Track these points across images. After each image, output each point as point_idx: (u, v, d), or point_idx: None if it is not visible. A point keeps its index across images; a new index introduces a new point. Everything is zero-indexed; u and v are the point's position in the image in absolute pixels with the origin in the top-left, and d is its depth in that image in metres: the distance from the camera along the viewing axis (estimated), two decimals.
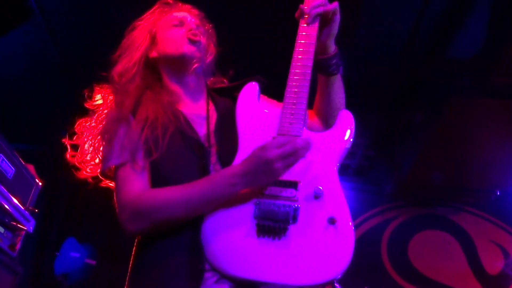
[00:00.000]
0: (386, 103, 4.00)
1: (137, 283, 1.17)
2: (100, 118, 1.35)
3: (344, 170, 4.69)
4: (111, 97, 1.39)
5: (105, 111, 1.36)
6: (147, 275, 1.15)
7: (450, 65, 3.23)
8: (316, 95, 1.37)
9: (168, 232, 1.16)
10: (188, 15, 1.45)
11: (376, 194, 4.58)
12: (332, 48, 1.30)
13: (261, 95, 1.39)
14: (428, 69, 3.32)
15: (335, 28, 1.28)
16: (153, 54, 1.42)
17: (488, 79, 3.15)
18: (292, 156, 1.10)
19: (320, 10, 1.26)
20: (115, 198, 1.23)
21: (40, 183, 2.63)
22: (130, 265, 1.23)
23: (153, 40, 1.43)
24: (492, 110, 3.35)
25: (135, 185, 1.20)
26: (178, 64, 1.39)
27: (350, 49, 2.88)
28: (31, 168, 2.55)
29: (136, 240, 1.26)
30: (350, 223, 1.10)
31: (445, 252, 4.56)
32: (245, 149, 1.22)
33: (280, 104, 1.28)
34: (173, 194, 1.16)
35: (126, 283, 1.21)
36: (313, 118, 1.38)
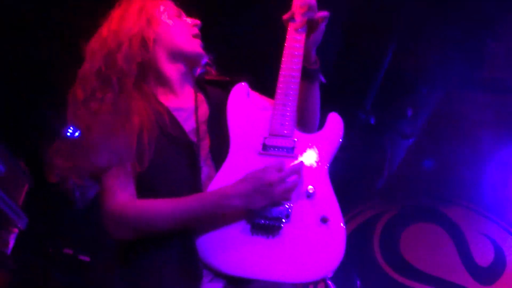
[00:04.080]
0: (378, 95, 4.04)
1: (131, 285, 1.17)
2: (91, 110, 1.25)
3: (335, 164, 4.71)
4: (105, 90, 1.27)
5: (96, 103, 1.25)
6: (141, 279, 1.15)
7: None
8: None
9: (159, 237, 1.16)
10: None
11: (368, 188, 4.62)
12: (313, 56, 1.33)
13: (252, 91, 1.40)
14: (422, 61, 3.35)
15: (319, 36, 1.31)
16: (150, 35, 1.34)
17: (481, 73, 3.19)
18: (292, 183, 1.12)
19: (309, 16, 1.28)
20: (101, 201, 1.21)
21: (31, 179, 2.62)
22: (118, 268, 1.21)
23: (149, 22, 1.36)
24: (484, 104, 3.39)
25: (123, 192, 1.18)
26: (185, 59, 1.38)
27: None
28: (22, 165, 2.53)
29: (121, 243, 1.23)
30: (342, 222, 1.12)
31: (436, 245, 4.62)
32: (237, 150, 1.23)
33: (271, 101, 1.29)
34: (162, 209, 1.15)
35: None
36: None
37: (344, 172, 4.76)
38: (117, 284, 1.21)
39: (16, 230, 2.50)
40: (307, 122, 1.35)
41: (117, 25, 1.35)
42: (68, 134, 1.26)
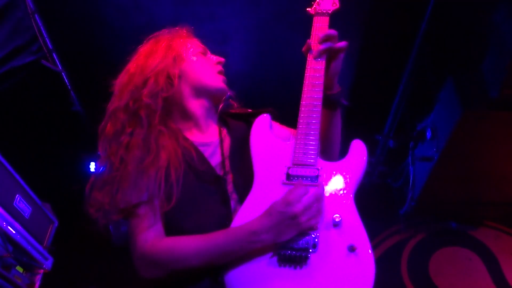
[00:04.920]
0: (397, 120, 4.03)
1: None
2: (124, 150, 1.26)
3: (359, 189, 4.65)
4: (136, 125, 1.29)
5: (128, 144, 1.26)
6: None
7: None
8: None
9: (188, 272, 1.15)
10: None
11: (392, 212, 4.53)
12: (335, 84, 1.34)
13: (274, 122, 1.41)
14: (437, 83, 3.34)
15: (339, 64, 1.32)
16: (175, 72, 1.37)
17: (498, 92, 3.16)
18: (316, 210, 1.12)
19: (326, 46, 1.30)
20: (129, 239, 1.21)
21: (56, 221, 2.65)
22: None
23: (175, 59, 1.40)
24: (505, 123, 3.34)
25: (152, 231, 1.19)
26: (209, 95, 1.41)
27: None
28: (47, 207, 2.57)
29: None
30: (370, 251, 1.10)
31: (467, 269, 4.46)
32: (261, 180, 1.23)
33: (293, 131, 1.29)
34: (191, 246, 1.15)
35: None
36: None
37: (367, 198, 4.70)
38: None
39: (41, 271, 2.51)
40: (329, 150, 1.36)
41: (144, 61, 1.39)
42: (101, 170, 1.28)
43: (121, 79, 1.39)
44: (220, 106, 1.45)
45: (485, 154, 3.69)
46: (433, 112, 3.77)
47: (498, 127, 3.39)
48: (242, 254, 1.12)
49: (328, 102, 1.33)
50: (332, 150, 1.37)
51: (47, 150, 3.75)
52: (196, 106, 1.39)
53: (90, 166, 3.77)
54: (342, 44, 1.31)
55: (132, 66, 1.41)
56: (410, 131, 4.08)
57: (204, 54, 1.46)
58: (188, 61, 1.42)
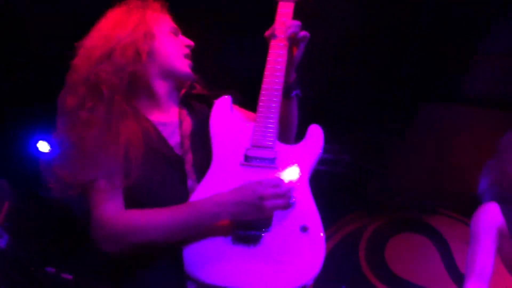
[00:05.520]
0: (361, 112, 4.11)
1: None
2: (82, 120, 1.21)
3: (324, 177, 4.76)
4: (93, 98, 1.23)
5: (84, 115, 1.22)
6: None
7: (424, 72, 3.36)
8: None
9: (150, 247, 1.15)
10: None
11: (355, 199, 4.66)
12: (293, 73, 1.36)
13: (234, 106, 1.42)
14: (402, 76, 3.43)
15: (300, 55, 1.34)
16: (145, 48, 1.30)
17: (460, 86, 3.28)
18: (283, 199, 1.14)
19: (290, 34, 1.30)
20: (90, 214, 1.19)
21: (11, 198, 2.59)
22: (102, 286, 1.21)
23: (146, 35, 1.32)
24: (466, 117, 3.47)
25: (111, 204, 1.17)
26: (174, 77, 1.38)
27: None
28: (2, 183, 2.50)
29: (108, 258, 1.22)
30: (321, 231, 1.14)
31: (421, 255, 4.66)
32: (219, 160, 1.25)
33: (253, 115, 1.31)
34: (153, 218, 1.14)
35: None
36: None
37: (332, 185, 4.81)
38: None
39: None
40: (285, 135, 1.38)
41: (111, 30, 1.31)
42: (58, 145, 1.22)
43: (83, 48, 1.31)
44: (183, 89, 1.44)
45: (444, 146, 3.84)
46: (399, 100, 3.86)
47: (457, 121, 3.53)
48: (203, 228, 1.13)
49: (286, 91, 1.34)
50: (288, 135, 1.40)
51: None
52: (160, 86, 1.36)
53: (41, 144, 3.64)
54: (305, 34, 1.32)
55: (97, 33, 1.32)
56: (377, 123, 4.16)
57: (176, 34, 1.41)
58: (159, 39, 1.35)
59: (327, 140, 1.30)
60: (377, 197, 4.46)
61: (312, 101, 1.42)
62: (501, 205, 1.84)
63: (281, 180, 1.16)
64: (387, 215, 4.82)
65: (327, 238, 4.16)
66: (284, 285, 1.08)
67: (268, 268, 1.10)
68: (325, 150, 1.29)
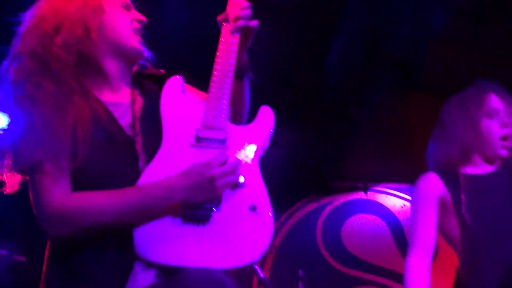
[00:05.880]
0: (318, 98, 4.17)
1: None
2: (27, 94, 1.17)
3: (284, 159, 4.83)
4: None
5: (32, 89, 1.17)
6: (76, 277, 1.14)
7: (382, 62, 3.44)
8: None
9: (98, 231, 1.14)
10: None
11: (313, 181, 4.76)
12: (244, 57, 1.38)
13: (187, 85, 1.42)
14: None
15: (249, 42, 1.37)
16: (94, 24, 1.26)
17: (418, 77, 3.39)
18: (232, 176, 1.15)
19: (242, 23, 1.32)
20: (33, 197, 1.16)
21: None
22: (53, 267, 1.19)
23: (94, 10, 1.28)
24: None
25: (57, 187, 1.14)
26: (125, 55, 1.34)
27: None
28: None
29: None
30: (270, 211, 1.17)
31: (375, 235, 4.85)
32: (170, 141, 1.25)
33: (205, 95, 1.32)
34: (101, 201, 1.13)
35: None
36: None
37: (292, 167, 4.89)
38: (53, 284, 1.19)
39: None
40: (236, 116, 1.39)
41: (59, 3, 1.26)
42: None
43: (32, 17, 1.25)
44: (135, 68, 1.41)
45: (398, 131, 3.97)
46: (363, 86, 3.94)
47: (412, 107, 3.65)
48: (154, 212, 1.13)
49: (237, 73, 1.36)
50: (239, 117, 1.41)
51: None
52: (111, 65, 1.32)
53: None
54: (254, 23, 1.34)
55: (47, 4, 1.27)
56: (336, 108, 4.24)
57: (127, 9, 1.36)
58: (109, 14, 1.30)
59: (284, 122, 1.32)
60: (333, 180, 4.57)
61: (264, 84, 1.44)
62: (443, 175, 1.78)
63: (227, 157, 1.17)
64: (343, 197, 4.97)
65: (285, 221, 4.28)
66: (232, 262, 1.11)
67: (217, 246, 1.12)
68: (283, 132, 1.32)
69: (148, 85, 1.42)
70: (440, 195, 1.74)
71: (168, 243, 1.12)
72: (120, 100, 1.33)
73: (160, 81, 1.41)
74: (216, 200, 1.15)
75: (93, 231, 1.13)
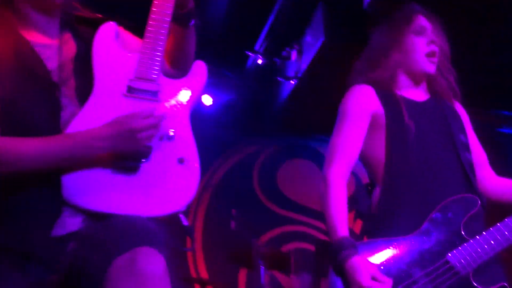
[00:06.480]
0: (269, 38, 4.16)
1: None
2: None
3: (223, 104, 4.88)
4: None
5: None
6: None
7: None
8: (169, 42, 1.42)
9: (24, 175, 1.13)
10: None
11: (254, 124, 4.86)
12: (190, 3, 1.36)
13: (124, 31, 1.40)
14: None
15: None
16: None
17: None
18: (155, 129, 1.17)
19: None
20: None
21: None
22: None
23: None
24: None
25: None
26: None
27: None
28: None
29: None
30: (197, 164, 1.22)
31: (309, 178, 5.12)
32: (101, 90, 1.25)
33: (141, 42, 1.30)
34: (23, 148, 1.11)
35: None
36: (164, 60, 1.42)
37: (231, 111, 4.94)
38: None
39: None
40: (181, 65, 1.39)
41: None
42: None
43: None
44: (67, 6, 1.35)
45: (341, 82, 4.08)
46: (303, 35, 3.97)
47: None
48: (80, 160, 1.15)
49: (180, 19, 1.35)
50: (184, 66, 1.41)
51: None
52: (29, 5, 1.25)
53: None
54: None
55: None
56: (279, 50, 4.27)
57: None
58: None
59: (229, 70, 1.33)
60: (273, 124, 4.69)
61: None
62: (378, 90, 1.65)
63: (153, 111, 1.19)
64: (282, 141, 5.15)
65: (223, 161, 4.39)
66: (158, 211, 1.17)
67: (145, 195, 1.17)
68: (226, 78, 1.33)
69: (81, 29, 1.37)
70: (374, 110, 1.61)
71: (97, 190, 1.16)
72: (48, 41, 1.28)
73: (95, 26, 1.37)
74: (145, 152, 1.19)
75: (17, 176, 1.12)
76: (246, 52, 4.34)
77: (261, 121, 4.78)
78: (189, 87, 1.30)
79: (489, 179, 1.69)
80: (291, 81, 4.19)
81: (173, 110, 1.26)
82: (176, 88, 1.29)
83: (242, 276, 4.48)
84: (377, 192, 1.60)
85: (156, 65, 1.26)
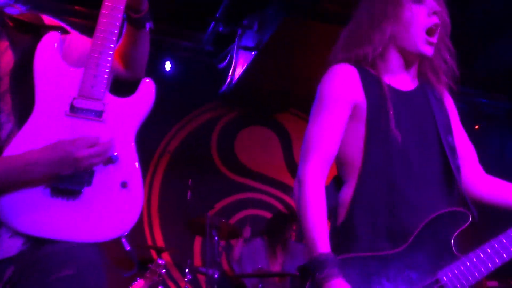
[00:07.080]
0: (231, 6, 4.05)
1: None
2: None
3: (187, 65, 4.79)
4: None
5: None
6: None
7: None
8: (123, 43, 1.39)
9: None
10: None
11: (212, 90, 4.81)
12: (145, 5, 1.31)
13: (73, 35, 1.34)
14: None
15: None
16: None
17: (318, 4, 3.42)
18: (100, 157, 1.15)
19: None
20: None
21: None
22: None
23: None
24: (318, 32, 3.68)
25: None
26: None
27: None
28: None
29: None
30: (140, 188, 1.21)
31: (266, 146, 5.20)
32: (42, 108, 1.20)
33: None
34: None
35: None
36: (117, 62, 1.40)
37: (191, 74, 4.85)
38: None
39: None
40: (135, 67, 1.37)
41: None
42: None
43: None
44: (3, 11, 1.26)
45: (300, 55, 4.09)
46: (265, 8, 3.90)
47: (312, 35, 3.74)
48: (16, 184, 1.12)
49: (136, 24, 1.32)
50: (137, 67, 1.39)
51: None
52: None
53: None
54: None
55: None
56: (240, 19, 4.18)
57: None
58: None
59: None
60: (233, 92, 4.66)
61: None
62: (363, 71, 1.40)
63: (98, 139, 1.16)
64: (241, 109, 5.15)
65: (182, 127, 4.40)
66: (100, 236, 1.16)
67: (87, 220, 1.16)
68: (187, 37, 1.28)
69: (20, 38, 1.28)
70: (355, 100, 1.38)
71: (36, 214, 1.14)
72: None
73: (37, 33, 1.28)
74: (86, 177, 1.18)
75: None
76: (208, 19, 4.22)
77: (221, 88, 4.73)
78: (135, 107, 1.26)
79: (477, 180, 1.50)
80: (252, 52, 4.14)
81: (118, 131, 1.24)
82: (122, 107, 1.25)
83: (197, 243, 4.61)
84: (348, 191, 1.38)
85: (101, 83, 1.22)
